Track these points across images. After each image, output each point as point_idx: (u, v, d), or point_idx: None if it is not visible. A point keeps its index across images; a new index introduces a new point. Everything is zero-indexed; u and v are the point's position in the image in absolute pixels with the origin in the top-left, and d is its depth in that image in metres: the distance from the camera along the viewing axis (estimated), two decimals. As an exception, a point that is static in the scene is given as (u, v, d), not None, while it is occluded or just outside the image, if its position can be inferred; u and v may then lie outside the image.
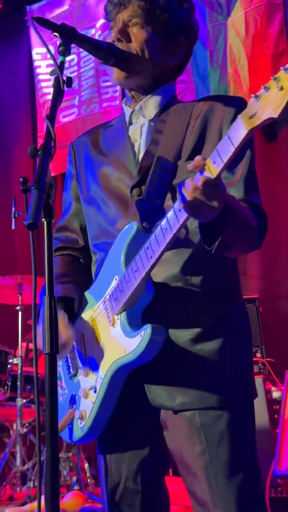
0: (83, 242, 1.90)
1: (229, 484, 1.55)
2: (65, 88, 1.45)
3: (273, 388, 3.95)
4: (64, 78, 1.45)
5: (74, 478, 4.32)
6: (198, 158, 1.42)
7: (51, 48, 1.51)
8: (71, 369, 1.76)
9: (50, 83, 6.27)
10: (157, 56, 1.76)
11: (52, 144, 1.33)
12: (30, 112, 6.73)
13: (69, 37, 1.58)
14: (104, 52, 1.70)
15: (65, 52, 1.54)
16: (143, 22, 1.73)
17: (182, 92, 5.48)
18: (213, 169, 1.39)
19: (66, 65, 5.72)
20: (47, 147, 1.32)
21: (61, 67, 1.48)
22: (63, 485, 4.57)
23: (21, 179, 1.28)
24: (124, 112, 1.85)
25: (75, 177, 1.92)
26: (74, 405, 1.71)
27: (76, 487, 4.20)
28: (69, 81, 1.45)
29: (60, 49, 1.54)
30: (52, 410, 1.19)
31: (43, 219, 1.27)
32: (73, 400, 1.72)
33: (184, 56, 1.83)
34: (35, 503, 3.93)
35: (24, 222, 1.20)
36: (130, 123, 1.82)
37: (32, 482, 4.34)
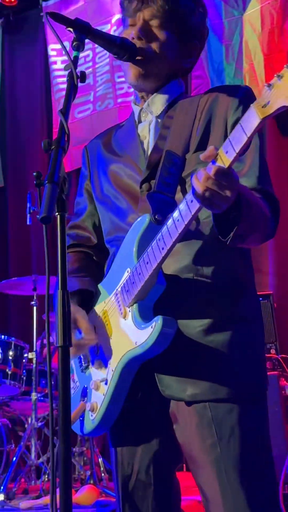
0: (95, 240, 1.92)
1: (240, 479, 1.54)
2: (79, 83, 1.46)
3: (288, 385, 3.94)
4: (78, 73, 1.46)
5: (88, 472, 4.35)
6: (210, 148, 1.42)
7: (66, 44, 1.51)
8: (83, 362, 1.77)
9: (64, 79, 6.27)
10: (174, 58, 1.79)
11: (66, 139, 1.34)
12: (45, 108, 6.76)
13: (83, 32, 1.59)
14: (118, 47, 1.70)
15: (79, 47, 1.55)
16: (163, 23, 1.75)
17: (198, 87, 5.46)
18: (225, 159, 1.39)
19: (81, 61, 5.70)
20: (61, 142, 1.33)
21: (75, 62, 1.49)
22: (77, 479, 4.60)
23: (34, 174, 1.29)
24: (134, 111, 1.87)
25: (88, 178, 1.94)
26: (86, 398, 1.72)
27: (90, 481, 4.22)
28: (83, 76, 1.46)
29: (74, 44, 1.55)
30: (65, 403, 1.20)
31: (57, 213, 1.28)
32: (84, 393, 1.73)
33: (196, 60, 1.87)
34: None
35: (38, 216, 1.21)
36: (139, 121, 1.84)
37: (46, 476, 4.37)
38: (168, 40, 1.75)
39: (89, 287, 1.79)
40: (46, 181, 1.25)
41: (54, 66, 6.61)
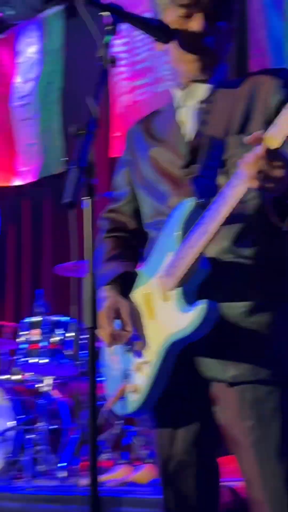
0: (133, 226, 1.93)
1: (281, 461, 1.55)
2: (111, 67, 1.47)
3: None
4: (109, 57, 1.47)
5: (147, 451, 4.40)
6: (256, 132, 1.41)
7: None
8: (125, 344, 1.79)
9: (123, 62, 6.29)
10: (224, 51, 1.79)
11: (95, 124, 1.35)
12: (105, 93, 6.77)
13: (118, 15, 1.59)
14: (156, 29, 1.70)
15: (112, 31, 1.56)
16: (222, 17, 1.74)
17: (257, 66, 5.35)
18: (271, 143, 1.38)
19: (140, 43, 5.61)
20: (90, 127, 1.34)
21: (107, 46, 1.50)
22: (137, 458, 4.66)
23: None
24: (174, 96, 1.86)
25: (129, 164, 1.95)
26: (128, 379, 1.74)
27: (148, 460, 4.28)
28: (114, 61, 1.47)
29: (107, 28, 1.56)
30: (93, 383, 1.23)
31: (84, 198, 1.30)
32: (126, 374, 1.76)
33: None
34: (108, 475, 4.05)
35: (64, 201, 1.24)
36: (179, 106, 1.83)
37: (105, 454, 4.45)
38: (224, 30, 1.75)
39: (132, 269, 1.82)
40: (73, 166, 1.28)
41: (113, 49, 6.59)
